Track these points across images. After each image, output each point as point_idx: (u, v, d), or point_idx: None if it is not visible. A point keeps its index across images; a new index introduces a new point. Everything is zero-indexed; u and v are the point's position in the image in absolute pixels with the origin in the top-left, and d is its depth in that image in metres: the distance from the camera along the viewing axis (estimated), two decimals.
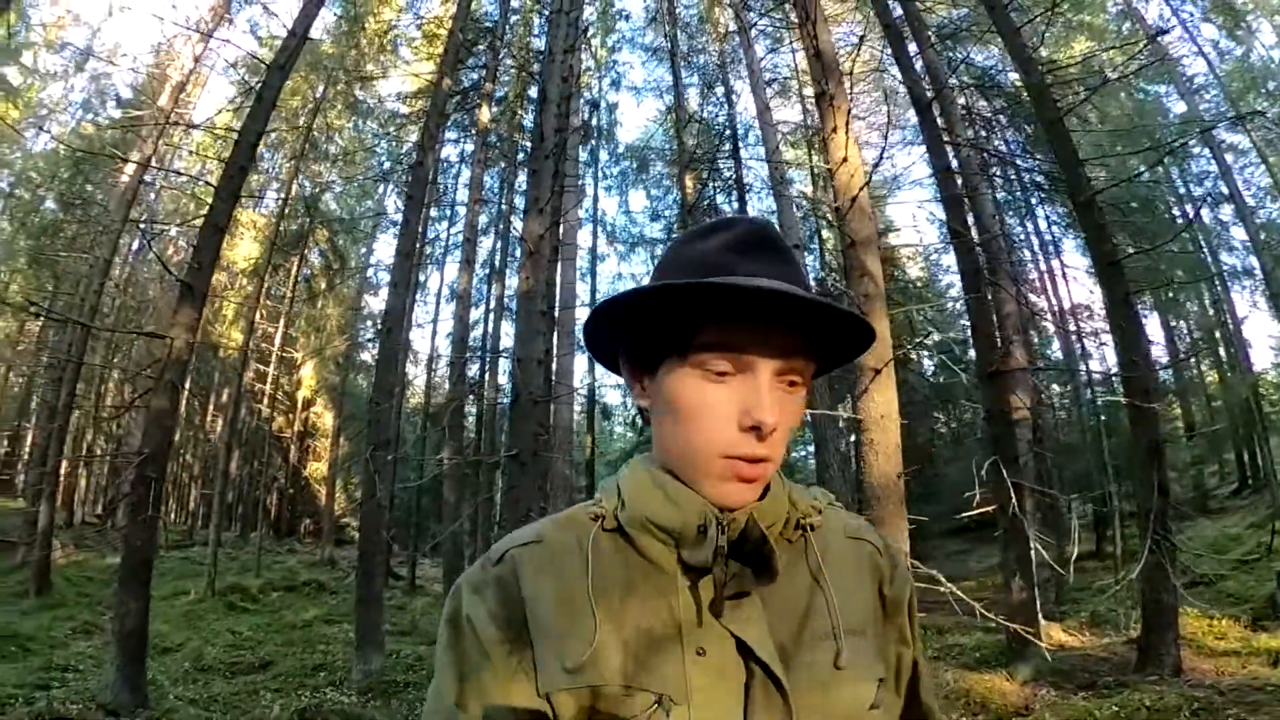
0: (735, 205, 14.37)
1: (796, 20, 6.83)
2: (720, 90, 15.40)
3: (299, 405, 21.45)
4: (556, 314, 10.52)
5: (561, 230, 11.67)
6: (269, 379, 19.21)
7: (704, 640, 0.57)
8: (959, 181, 8.37)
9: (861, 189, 4.89)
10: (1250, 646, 6.17)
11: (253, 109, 6.82)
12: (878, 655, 0.64)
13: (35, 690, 5.42)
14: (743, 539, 0.59)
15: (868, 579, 0.67)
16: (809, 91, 15.67)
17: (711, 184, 14.05)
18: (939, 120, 8.08)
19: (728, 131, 15.01)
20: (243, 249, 18.31)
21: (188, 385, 16.10)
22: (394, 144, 17.51)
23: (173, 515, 20.46)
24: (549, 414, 7.97)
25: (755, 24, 11.68)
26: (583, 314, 18.45)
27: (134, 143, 14.32)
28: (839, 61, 5.91)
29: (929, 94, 8.19)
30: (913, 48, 8.47)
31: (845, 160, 4.94)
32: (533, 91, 13.82)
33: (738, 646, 0.57)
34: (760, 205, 15.12)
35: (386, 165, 17.71)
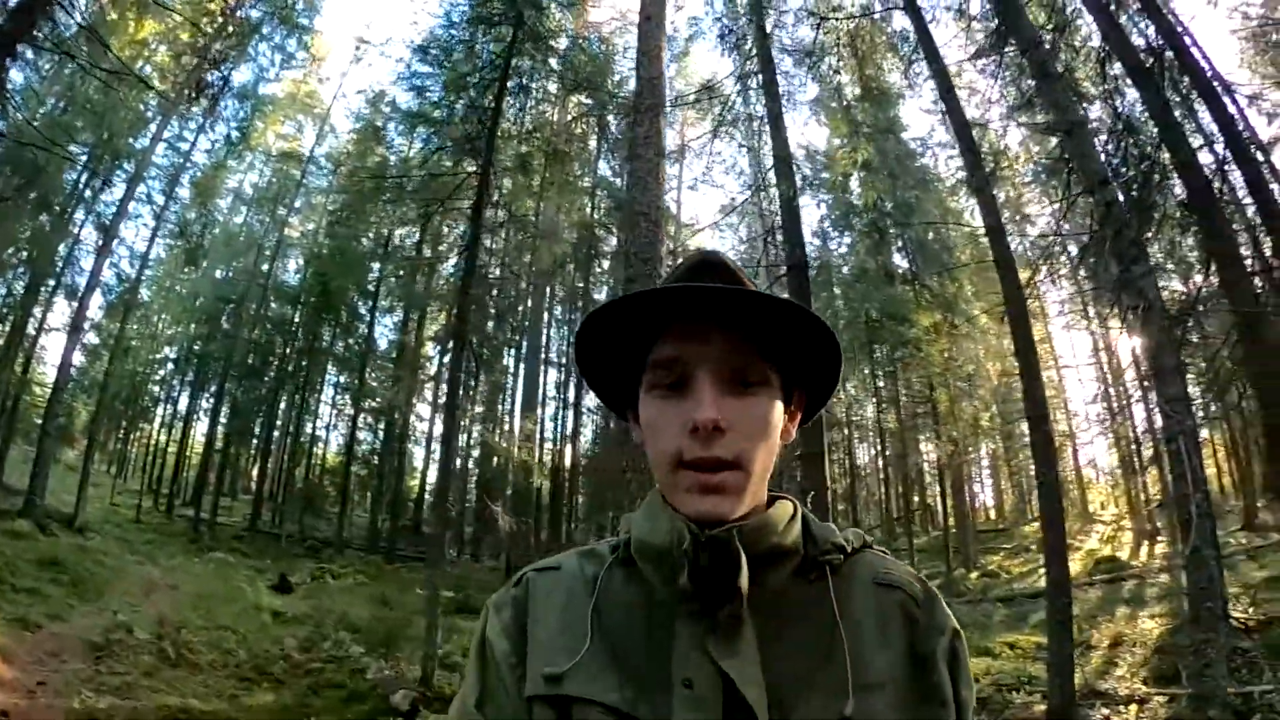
0: None
1: None
2: None
3: None
4: None
5: None
6: None
7: (693, 672, 0.55)
8: None
9: None
10: None
11: None
12: (900, 715, 0.57)
13: None
14: (723, 561, 0.57)
15: (896, 629, 0.60)
16: None
17: None
18: None
19: None
20: None
21: None
22: None
23: None
24: None
25: None
26: None
27: None
28: None
29: None
30: None
31: None
32: None
33: (725, 683, 0.54)
34: None
35: None
